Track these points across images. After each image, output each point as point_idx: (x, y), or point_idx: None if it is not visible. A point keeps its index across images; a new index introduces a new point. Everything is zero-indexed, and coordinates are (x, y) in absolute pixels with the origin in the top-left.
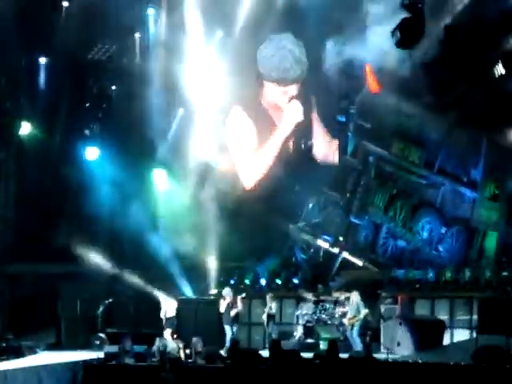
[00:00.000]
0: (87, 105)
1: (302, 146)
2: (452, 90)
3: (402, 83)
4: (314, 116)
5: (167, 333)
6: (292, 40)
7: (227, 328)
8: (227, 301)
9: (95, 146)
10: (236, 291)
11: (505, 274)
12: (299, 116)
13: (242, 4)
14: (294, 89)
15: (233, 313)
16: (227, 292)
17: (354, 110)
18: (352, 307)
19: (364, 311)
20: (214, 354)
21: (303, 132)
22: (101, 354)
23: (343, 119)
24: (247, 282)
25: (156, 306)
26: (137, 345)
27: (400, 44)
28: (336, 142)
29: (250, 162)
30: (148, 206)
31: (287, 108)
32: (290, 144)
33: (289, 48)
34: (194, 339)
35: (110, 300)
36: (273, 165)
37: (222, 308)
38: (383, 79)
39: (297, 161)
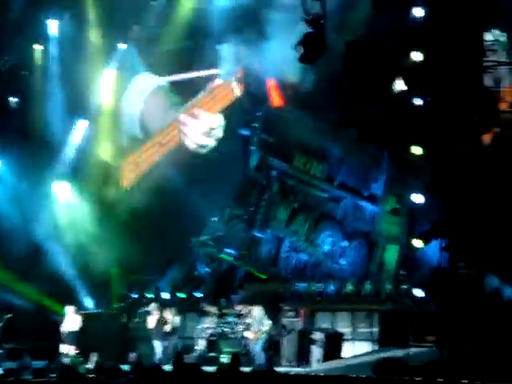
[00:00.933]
0: None
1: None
2: (354, 105)
3: (305, 98)
4: None
5: (68, 348)
6: None
7: (157, 343)
8: (156, 316)
9: None
10: (140, 305)
11: (404, 287)
12: None
13: (144, 16)
14: None
15: (168, 327)
16: (154, 307)
17: (258, 124)
18: (255, 321)
19: (267, 322)
20: (115, 369)
21: None
22: None
23: (247, 133)
24: (149, 295)
25: (57, 320)
26: (36, 360)
27: (303, 59)
28: None
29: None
30: (49, 219)
31: None
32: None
33: None
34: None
35: (10, 315)
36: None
37: (152, 323)
38: (286, 93)
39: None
